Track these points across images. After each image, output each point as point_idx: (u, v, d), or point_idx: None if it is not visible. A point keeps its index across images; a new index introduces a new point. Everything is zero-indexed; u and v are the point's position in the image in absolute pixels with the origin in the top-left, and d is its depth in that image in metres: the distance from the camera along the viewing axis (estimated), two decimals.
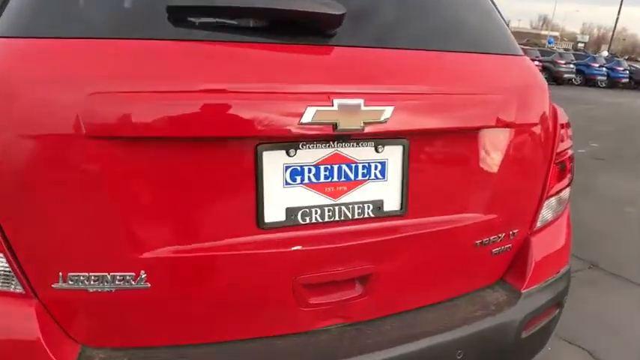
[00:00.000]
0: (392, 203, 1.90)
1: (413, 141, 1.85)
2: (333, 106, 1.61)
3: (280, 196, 1.73)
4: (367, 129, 1.67)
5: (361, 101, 1.64)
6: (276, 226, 1.74)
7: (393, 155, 1.85)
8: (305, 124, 1.59)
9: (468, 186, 2.02)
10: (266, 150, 1.66)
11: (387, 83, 1.76)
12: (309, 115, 1.58)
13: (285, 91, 1.60)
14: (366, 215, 1.86)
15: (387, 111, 1.69)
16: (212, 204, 1.66)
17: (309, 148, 1.72)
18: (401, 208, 1.90)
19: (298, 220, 1.77)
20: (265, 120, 1.57)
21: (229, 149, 1.63)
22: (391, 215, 1.90)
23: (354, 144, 1.77)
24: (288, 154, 1.70)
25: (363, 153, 1.80)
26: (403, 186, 1.88)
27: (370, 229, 1.87)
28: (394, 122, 1.71)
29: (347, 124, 1.63)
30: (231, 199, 1.69)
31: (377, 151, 1.81)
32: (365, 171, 1.82)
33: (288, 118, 1.59)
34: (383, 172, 1.85)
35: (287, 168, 1.72)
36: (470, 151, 1.98)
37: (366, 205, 1.86)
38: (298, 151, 1.71)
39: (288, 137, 1.64)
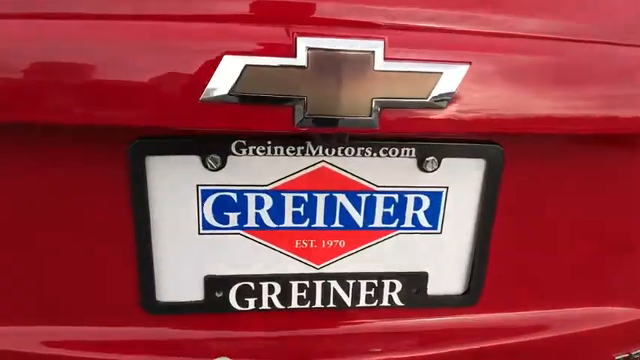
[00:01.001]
0: (447, 280, 0.89)
1: (511, 150, 0.79)
2: (295, 55, 0.61)
3: (191, 252, 0.80)
4: (393, 120, 0.66)
5: (377, 46, 0.62)
6: (182, 311, 0.83)
7: (462, 180, 0.81)
8: (235, 94, 0.63)
9: (620, 249, 0.93)
10: (153, 154, 0.72)
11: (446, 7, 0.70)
12: (231, 71, 0.61)
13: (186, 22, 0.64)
14: (385, 302, 0.87)
15: (451, 75, 0.66)
16: (54, 264, 0.78)
17: (258, 152, 0.75)
18: (467, 291, 0.88)
19: (231, 304, 0.83)
20: (146, 89, 0.62)
21: (73, 154, 0.73)
22: (444, 305, 0.89)
23: (366, 150, 0.76)
24: (205, 164, 0.74)
25: (387, 172, 0.79)
26: (478, 246, 0.85)
27: (394, 332, 0.88)
28: (468, 105, 0.68)
29: (332, 105, 0.63)
30: (89, 254, 0.79)
31: (423, 168, 0.78)
32: (392, 210, 0.81)
33: (193, 84, 0.63)
34: (434, 215, 0.83)
35: (205, 194, 0.76)
36: (632, 177, 0.87)
37: (387, 283, 0.85)
38: (230, 158, 0.74)
39: (199, 126, 0.68)
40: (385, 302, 0.87)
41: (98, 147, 0.73)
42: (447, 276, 0.88)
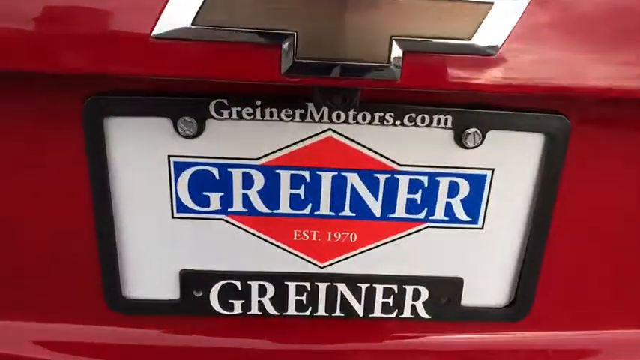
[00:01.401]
0: (487, 288, 0.70)
1: (580, 123, 0.59)
2: None
3: (164, 240, 0.65)
4: (421, 69, 0.49)
5: None
6: (153, 310, 0.69)
7: (513, 160, 0.62)
8: (198, 27, 0.47)
9: None
10: (113, 114, 0.57)
11: None
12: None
13: None
14: (406, 314, 0.69)
15: (506, 8, 0.46)
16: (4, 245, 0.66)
17: (245, 115, 0.58)
18: (512, 303, 0.70)
19: (212, 306, 0.67)
20: (79, 23, 0.47)
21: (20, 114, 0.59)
22: (482, 319, 0.71)
23: (385, 117, 0.58)
24: (178, 128, 0.57)
25: (415, 147, 0.60)
26: (530, 245, 0.66)
27: (417, 351, 0.71)
28: (528, 54, 0.48)
29: (352, 49, 0.46)
30: (44, 237, 0.65)
31: (462, 143, 0.59)
32: (419, 197, 0.62)
33: (142, 15, 0.46)
34: (474, 205, 0.64)
35: (179, 168, 0.60)
36: None
37: (410, 290, 0.67)
38: (209, 123, 0.58)
39: (150, 72, 0.51)
40: (407, 313, 0.69)
41: (48, 105, 0.58)
42: (487, 283, 0.69)
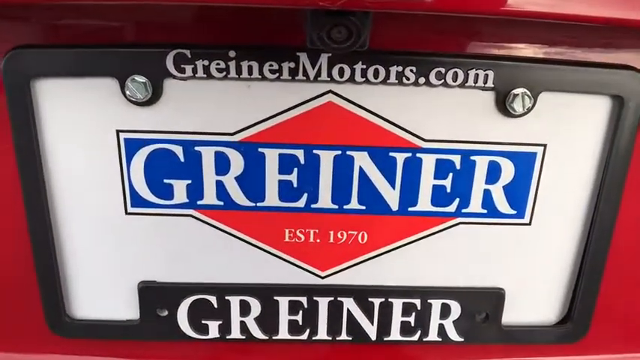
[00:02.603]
0: (535, 302, 0.55)
1: None
2: None
3: (116, 243, 0.50)
4: None
5: None
6: (107, 334, 0.54)
7: (571, 133, 0.47)
8: None
9: None
10: (42, 74, 0.43)
11: None
12: None
13: None
14: (432, 336, 0.54)
15: None
16: None
17: (214, 72, 0.44)
18: (566, 320, 0.55)
19: (180, 329, 0.52)
20: None
21: None
22: (529, 341, 0.56)
23: (405, 73, 0.43)
24: (126, 92, 0.43)
25: (443, 115, 0.45)
26: (591, 248, 0.50)
27: None
28: None
29: None
30: None
31: (507, 108, 0.44)
32: (449, 183, 0.47)
33: None
34: (520, 194, 0.49)
35: (132, 147, 0.45)
36: None
37: (437, 305, 0.52)
38: (168, 83, 0.43)
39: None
40: (433, 336, 0.54)
41: None
42: (535, 295, 0.53)
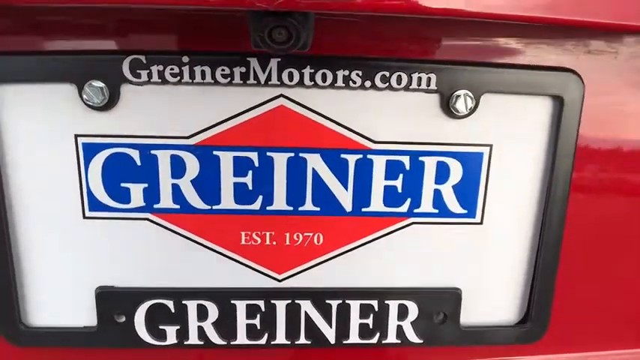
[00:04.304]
0: (492, 301, 0.55)
1: (595, 82, 0.46)
2: None
3: (74, 247, 0.50)
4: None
5: None
6: (64, 342, 0.53)
7: (515, 133, 0.49)
8: None
9: None
10: (5, 80, 0.45)
11: None
12: None
13: None
14: (391, 338, 0.54)
15: None
16: None
17: (168, 77, 0.46)
18: (525, 320, 0.55)
19: (138, 335, 0.52)
20: None
21: None
22: (488, 342, 0.56)
23: (351, 76, 0.45)
24: (83, 97, 0.44)
25: (392, 117, 0.47)
26: (544, 244, 0.52)
27: None
28: None
29: None
30: None
31: (451, 109, 0.47)
32: (400, 183, 0.49)
33: None
34: (470, 193, 0.50)
35: (90, 151, 0.46)
36: None
37: (394, 306, 0.52)
38: (125, 88, 0.45)
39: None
40: (391, 338, 0.54)
41: None
42: (492, 294, 0.54)
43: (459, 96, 0.48)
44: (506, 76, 0.48)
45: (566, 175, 0.51)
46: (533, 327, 0.55)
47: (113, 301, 0.52)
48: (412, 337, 0.55)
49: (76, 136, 0.48)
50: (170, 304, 0.52)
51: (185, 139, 0.48)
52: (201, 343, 0.54)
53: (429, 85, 0.47)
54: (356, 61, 0.46)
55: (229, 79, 0.46)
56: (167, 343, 0.53)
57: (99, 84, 0.45)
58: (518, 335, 0.56)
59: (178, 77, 0.46)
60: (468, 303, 0.54)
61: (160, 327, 0.53)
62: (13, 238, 0.50)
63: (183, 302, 0.52)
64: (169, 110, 0.47)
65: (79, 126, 0.47)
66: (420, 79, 0.47)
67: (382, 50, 0.46)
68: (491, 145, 0.50)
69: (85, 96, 0.46)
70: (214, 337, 0.54)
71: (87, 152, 0.48)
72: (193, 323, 0.53)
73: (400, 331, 0.55)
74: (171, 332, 0.53)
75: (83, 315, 0.53)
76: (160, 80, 0.46)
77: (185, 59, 0.45)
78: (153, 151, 0.49)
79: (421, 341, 0.55)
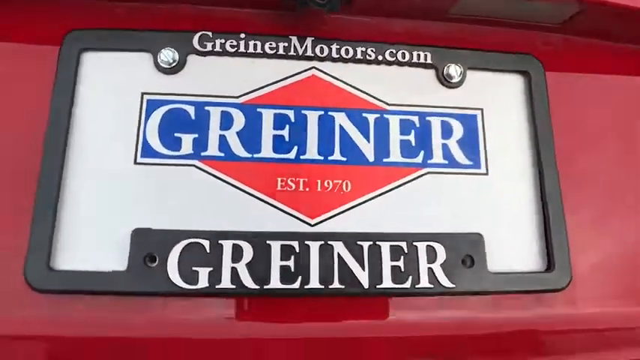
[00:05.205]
0: (513, 250, 0.57)
1: (554, 59, 0.62)
2: None
3: (120, 190, 0.54)
4: None
5: None
6: (89, 286, 0.51)
7: (499, 101, 0.62)
8: None
9: None
10: (92, 49, 0.57)
11: None
12: None
13: None
14: (424, 283, 0.53)
15: None
16: None
17: (228, 48, 0.59)
18: (550, 267, 0.56)
19: (169, 278, 0.51)
20: None
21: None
22: (519, 286, 0.55)
23: (367, 52, 0.60)
24: (157, 62, 0.56)
25: (400, 85, 0.60)
26: (546, 196, 0.57)
27: (444, 337, 0.51)
28: None
29: None
30: None
31: (444, 80, 0.60)
32: (412, 137, 0.58)
33: None
34: (472, 147, 0.59)
35: (152, 106, 0.55)
36: None
37: (422, 247, 0.54)
38: (191, 58, 0.58)
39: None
40: (424, 282, 0.53)
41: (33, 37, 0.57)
42: (513, 243, 0.57)
43: (449, 69, 0.61)
44: (485, 57, 0.63)
45: (548, 133, 0.61)
46: (558, 275, 0.56)
47: (147, 243, 0.52)
48: (444, 281, 0.54)
49: (143, 93, 0.57)
50: (206, 243, 0.52)
51: (235, 98, 0.58)
52: (234, 287, 0.51)
53: (426, 60, 0.61)
54: (371, 42, 0.61)
55: (274, 52, 0.59)
56: (199, 286, 0.51)
57: (172, 51, 0.58)
58: (546, 282, 0.56)
59: (235, 49, 0.59)
60: (491, 249, 0.57)
61: (193, 268, 0.51)
62: (65, 180, 0.53)
63: (219, 242, 0.52)
64: (224, 75, 0.58)
65: (147, 85, 0.57)
66: (419, 55, 0.61)
67: (392, 36, 0.62)
68: (482, 109, 0.62)
69: (159, 61, 0.57)
70: (247, 281, 0.51)
71: (149, 107, 0.57)
72: (227, 265, 0.52)
73: (431, 275, 0.54)
74: (203, 275, 0.51)
75: (116, 258, 0.51)
76: (220, 51, 0.58)
77: (242, 35, 0.59)
78: (206, 107, 0.57)
79: (453, 285, 0.54)
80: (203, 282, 0.52)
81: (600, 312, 0.59)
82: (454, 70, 0.62)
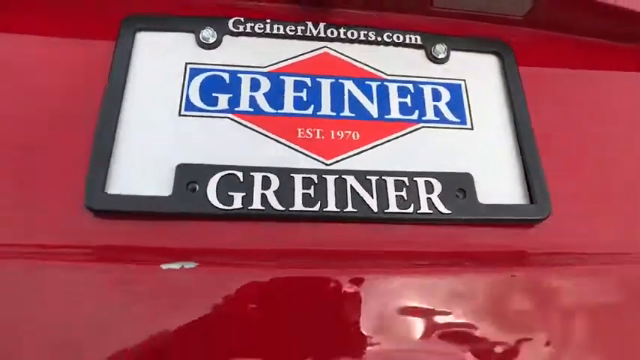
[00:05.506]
0: (499, 187, 0.68)
1: (520, 44, 0.76)
2: None
3: (166, 135, 0.64)
4: None
5: None
6: (139, 207, 0.59)
7: (478, 74, 0.74)
8: None
9: None
10: (145, 29, 0.70)
11: None
12: None
13: None
14: (424, 208, 0.62)
15: None
16: None
17: (257, 30, 0.73)
18: (533, 201, 0.66)
19: (208, 199, 0.60)
20: None
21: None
22: (506, 215, 0.64)
23: (369, 35, 0.74)
24: (199, 39, 0.69)
25: (396, 60, 0.74)
26: (523, 144, 0.68)
27: (442, 254, 0.60)
28: None
29: None
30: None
31: (432, 57, 0.73)
32: (409, 100, 0.70)
33: None
34: (458, 108, 0.71)
35: (194, 73, 0.67)
36: None
37: (422, 182, 0.64)
38: (226, 38, 0.71)
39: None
40: (424, 208, 0.62)
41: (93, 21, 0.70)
42: (499, 182, 0.67)
43: (435, 48, 0.74)
44: (464, 41, 0.76)
45: (520, 95, 0.73)
46: (540, 207, 0.65)
47: (189, 173, 0.61)
48: (441, 207, 0.63)
49: (187, 63, 0.68)
50: (240, 174, 0.61)
51: (262, 68, 0.70)
52: (263, 208, 0.59)
53: (416, 41, 0.74)
54: (372, 27, 0.74)
55: (293, 33, 0.72)
56: (233, 207, 0.59)
57: (210, 30, 0.70)
58: (529, 212, 0.64)
59: (262, 31, 0.72)
60: (480, 186, 0.66)
61: (229, 194, 0.59)
62: (121, 124, 0.63)
63: (251, 174, 0.61)
64: (253, 51, 0.71)
65: (190, 57, 0.69)
66: (410, 38, 0.74)
67: (389, 24, 0.75)
68: (465, 80, 0.74)
69: (200, 39, 0.69)
70: (275, 203, 0.60)
71: (192, 74, 0.68)
72: (257, 191, 0.60)
73: (430, 203, 0.63)
74: (237, 199, 0.59)
75: (162, 186, 0.60)
76: (250, 32, 0.71)
77: (267, 20, 0.72)
78: (238, 75, 0.69)
79: (449, 211, 0.62)
80: (237, 204, 0.61)
81: (579, 239, 0.67)
82: (440, 49, 0.76)
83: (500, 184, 0.69)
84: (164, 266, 0.54)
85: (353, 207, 0.64)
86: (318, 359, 0.53)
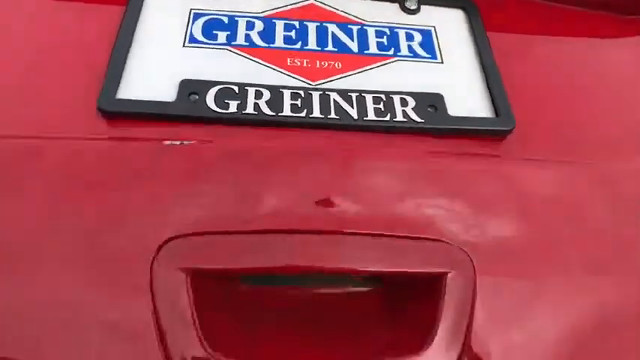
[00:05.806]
0: (467, 103, 0.75)
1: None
2: None
3: (172, 59, 0.74)
4: None
5: None
6: (145, 109, 0.66)
7: (448, 24, 0.85)
8: None
9: None
10: None
11: None
12: None
13: None
14: (399, 117, 0.70)
15: None
16: None
17: None
18: (498, 114, 0.74)
19: (207, 105, 0.67)
20: None
21: None
22: (474, 126, 0.71)
23: None
24: None
25: (375, 11, 0.85)
26: (488, 72, 0.77)
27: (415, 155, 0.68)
28: None
29: None
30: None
31: (406, 8, 0.84)
32: (385, 40, 0.79)
33: None
34: (430, 47, 0.81)
35: (197, 16, 0.77)
36: None
37: (397, 98, 0.72)
38: None
39: None
40: (400, 116, 0.69)
41: None
42: (466, 100, 0.74)
43: (407, 2, 0.84)
44: None
45: (483, 36, 0.82)
46: (504, 120, 0.72)
47: (191, 85, 0.69)
48: (415, 117, 0.70)
49: (191, 9, 0.78)
50: (235, 88, 0.69)
51: (257, 13, 0.79)
52: (256, 112, 0.66)
53: None
54: None
55: None
56: (229, 111, 0.65)
57: None
58: (496, 124, 0.71)
59: None
60: (450, 104, 0.74)
61: (225, 101, 0.66)
62: (134, 45, 0.71)
63: (245, 88, 0.69)
64: (249, 2, 0.80)
65: (193, 4, 0.79)
66: None
67: None
68: (434, 26, 0.83)
69: None
70: (265, 109, 0.67)
71: (195, 16, 0.78)
72: (251, 100, 0.68)
73: (405, 114, 0.70)
74: (233, 105, 0.67)
75: (165, 93, 0.68)
76: None
77: None
78: (236, 18, 0.78)
79: (422, 120, 0.69)
80: (232, 109, 0.68)
81: (542, 151, 0.74)
82: (411, 3, 0.86)
83: (468, 102, 0.77)
84: (166, 142, 0.60)
85: (336, 114, 0.71)
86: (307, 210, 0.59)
